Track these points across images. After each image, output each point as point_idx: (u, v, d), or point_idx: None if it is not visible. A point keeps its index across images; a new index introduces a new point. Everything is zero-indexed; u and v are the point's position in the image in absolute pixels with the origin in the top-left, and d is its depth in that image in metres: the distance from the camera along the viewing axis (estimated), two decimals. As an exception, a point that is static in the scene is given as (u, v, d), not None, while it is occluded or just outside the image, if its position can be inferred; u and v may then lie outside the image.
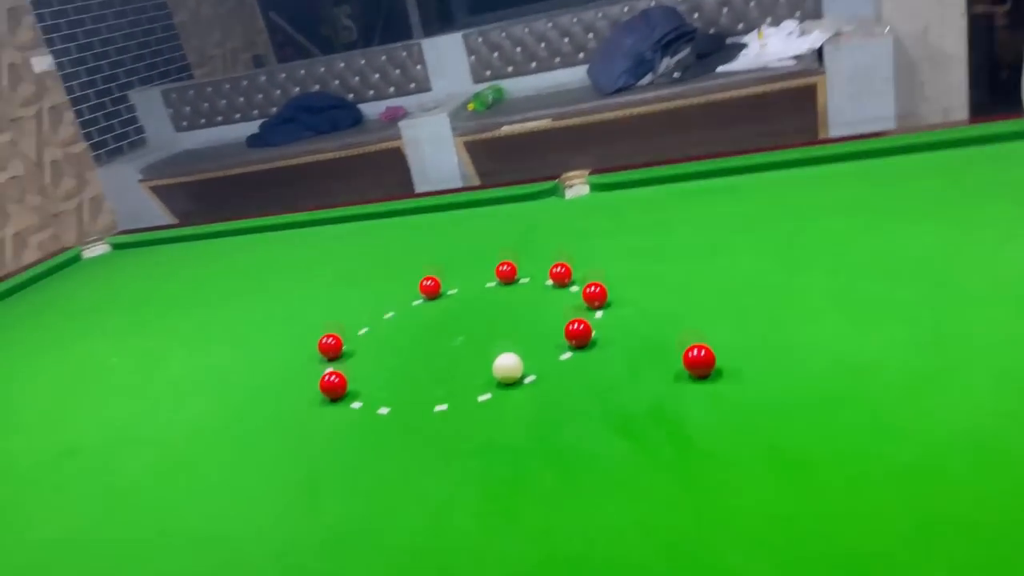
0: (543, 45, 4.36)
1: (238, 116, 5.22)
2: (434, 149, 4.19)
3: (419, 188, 4.34)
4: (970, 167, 1.80)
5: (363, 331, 1.67)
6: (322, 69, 4.89)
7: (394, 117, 4.55)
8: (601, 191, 2.26)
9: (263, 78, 5.06)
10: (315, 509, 1.13)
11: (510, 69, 4.47)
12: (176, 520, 1.16)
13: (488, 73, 4.51)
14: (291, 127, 4.69)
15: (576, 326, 1.38)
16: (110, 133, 5.34)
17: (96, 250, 2.80)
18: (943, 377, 1.10)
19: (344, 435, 1.30)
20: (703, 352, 1.20)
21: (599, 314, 1.51)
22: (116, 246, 2.82)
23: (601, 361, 1.34)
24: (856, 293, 1.38)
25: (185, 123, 5.40)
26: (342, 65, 4.84)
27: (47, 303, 2.32)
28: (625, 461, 1.07)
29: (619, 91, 3.85)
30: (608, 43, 4.04)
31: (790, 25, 3.78)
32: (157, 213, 5.07)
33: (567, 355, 1.37)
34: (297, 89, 4.98)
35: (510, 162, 4.29)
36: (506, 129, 4.04)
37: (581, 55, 4.28)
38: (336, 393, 1.39)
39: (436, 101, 4.59)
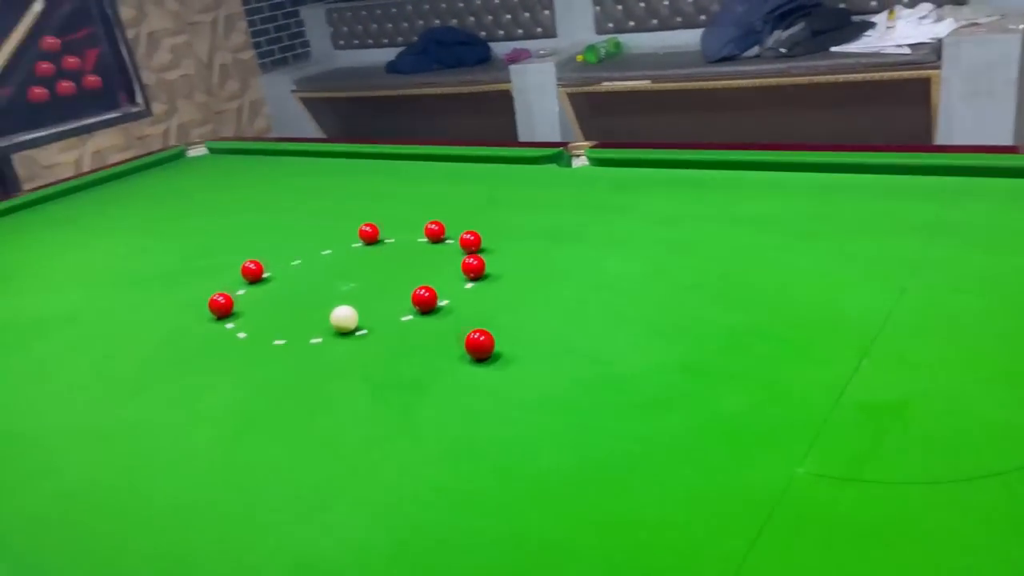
0: (666, 2, 4.24)
1: (386, 41, 5.53)
2: (538, 97, 4.27)
3: (521, 134, 4.44)
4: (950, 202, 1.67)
5: (296, 262, 1.87)
6: (461, 4, 5.05)
7: (516, 60, 4.62)
8: (597, 165, 2.29)
9: (409, 7, 5.30)
10: (135, 396, 1.36)
11: (631, 24, 4.40)
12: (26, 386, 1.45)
13: (611, 25, 4.47)
14: (421, 58, 4.92)
15: (421, 292, 1.50)
16: (277, 44, 5.85)
17: (198, 151, 3.23)
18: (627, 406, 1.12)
19: (200, 346, 1.51)
20: (481, 337, 1.28)
21: (469, 284, 1.60)
22: (212, 150, 3.23)
23: (427, 329, 1.45)
24: (674, 311, 1.38)
25: (342, 42, 5.79)
26: (478, 2, 4.97)
27: (138, 190, 2.74)
28: (355, 419, 1.20)
29: (723, 60, 3.71)
30: (723, 8, 3.87)
31: (926, 8, 3.43)
32: (307, 124, 5.54)
33: (408, 317, 1.50)
34: (438, 21, 5.19)
35: (612, 118, 4.28)
36: (606, 85, 4.03)
37: (703, 17, 4.13)
38: (220, 312, 1.60)
39: (557, 49, 4.62)
